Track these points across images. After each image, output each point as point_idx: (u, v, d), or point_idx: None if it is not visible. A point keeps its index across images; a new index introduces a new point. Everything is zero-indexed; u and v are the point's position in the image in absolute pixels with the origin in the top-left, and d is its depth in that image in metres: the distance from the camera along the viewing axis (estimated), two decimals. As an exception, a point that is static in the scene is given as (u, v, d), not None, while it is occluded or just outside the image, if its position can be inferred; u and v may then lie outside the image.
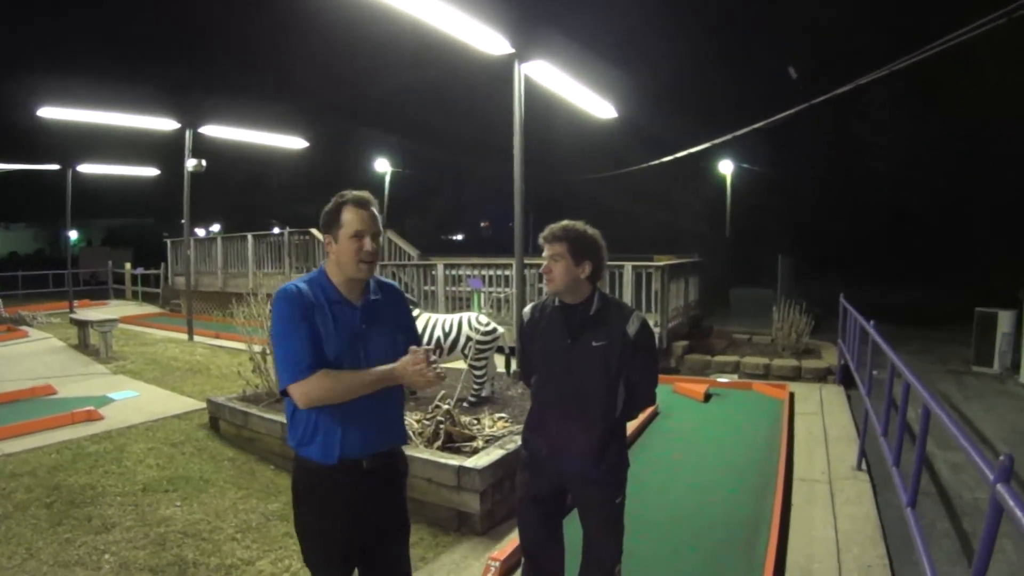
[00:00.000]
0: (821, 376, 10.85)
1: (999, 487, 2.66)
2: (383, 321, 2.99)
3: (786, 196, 36.07)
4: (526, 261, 9.00)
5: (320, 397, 2.71)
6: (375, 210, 2.91)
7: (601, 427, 3.30)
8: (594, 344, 3.27)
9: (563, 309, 3.39)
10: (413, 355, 2.76)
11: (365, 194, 2.90)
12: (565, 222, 3.34)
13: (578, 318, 3.33)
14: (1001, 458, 2.73)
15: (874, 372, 7.39)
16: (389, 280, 3.19)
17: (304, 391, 2.70)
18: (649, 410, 8.12)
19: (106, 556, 4.86)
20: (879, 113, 32.15)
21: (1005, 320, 11.67)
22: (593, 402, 3.29)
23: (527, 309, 3.61)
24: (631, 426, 3.75)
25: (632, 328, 3.27)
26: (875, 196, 34.96)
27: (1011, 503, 2.51)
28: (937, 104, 30.23)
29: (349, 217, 2.83)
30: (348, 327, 2.85)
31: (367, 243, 2.84)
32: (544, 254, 3.33)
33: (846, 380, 10.24)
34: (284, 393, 2.77)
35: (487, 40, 7.39)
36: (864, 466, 6.73)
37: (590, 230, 3.35)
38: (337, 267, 2.88)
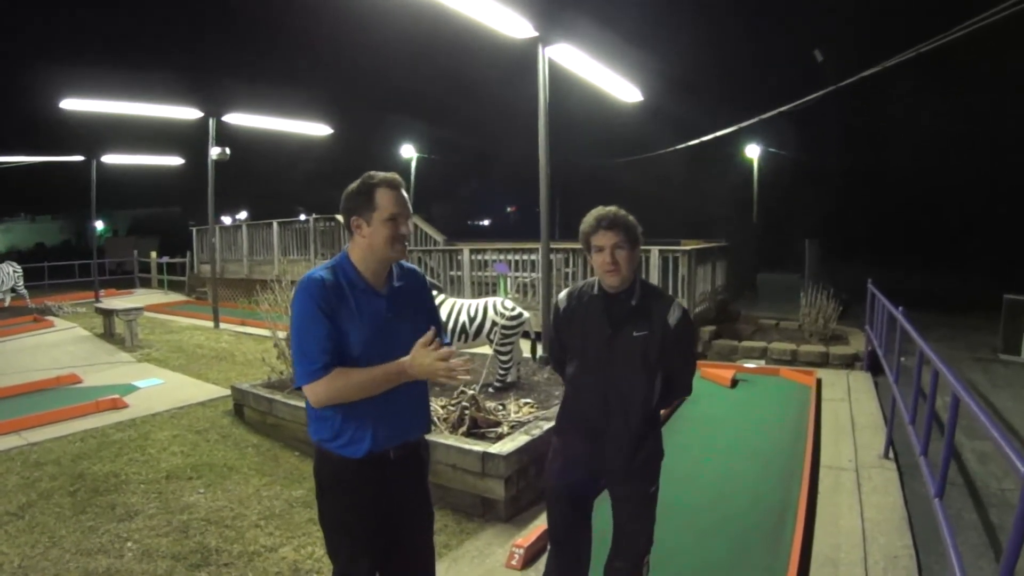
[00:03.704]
0: (849, 362, 10.76)
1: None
2: (409, 308, 2.92)
3: (813, 180, 35.86)
4: (552, 245, 8.96)
5: (332, 398, 2.67)
6: (405, 192, 2.83)
7: (639, 417, 3.23)
8: (635, 334, 3.18)
9: (604, 297, 3.28)
10: (423, 347, 2.68)
11: (395, 176, 2.82)
12: (612, 208, 3.21)
13: (620, 308, 3.23)
14: (1034, 451, 2.68)
15: (902, 359, 7.31)
16: (411, 264, 3.10)
17: (315, 392, 2.66)
18: (678, 396, 8.10)
19: (129, 544, 4.87)
20: (906, 97, 31.85)
21: (1034, 308, 11.48)
22: (632, 392, 3.22)
23: (562, 295, 3.48)
24: (658, 412, 3.68)
25: (673, 318, 3.19)
26: (903, 180, 34.71)
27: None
28: (965, 87, 29.94)
29: (384, 200, 2.73)
30: (375, 317, 2.77)
31: (402, 227, 2.77)
32: (598, 243, 3.18)
33: (874, 367, 10.13)
34: (300, 388, 2.73)
35: (511, 23, 7.34)
36: (891, 455, 6.66)
37: (629, 214, 3.27)
38: (368, 251, 2.77)
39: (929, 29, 10.89)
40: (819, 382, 9.49)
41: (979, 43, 10.51)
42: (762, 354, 11.32)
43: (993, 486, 6.09)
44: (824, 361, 10.86)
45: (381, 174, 2.80)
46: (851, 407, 8.46)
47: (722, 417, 8.11)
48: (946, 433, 4.21)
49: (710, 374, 9.75)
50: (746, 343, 11.72)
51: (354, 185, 2.80)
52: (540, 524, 4.16)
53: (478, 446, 5.47)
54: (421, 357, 2.67)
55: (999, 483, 6.11)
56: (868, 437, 7.29)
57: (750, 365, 10.57)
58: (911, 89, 29.88)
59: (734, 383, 9.47)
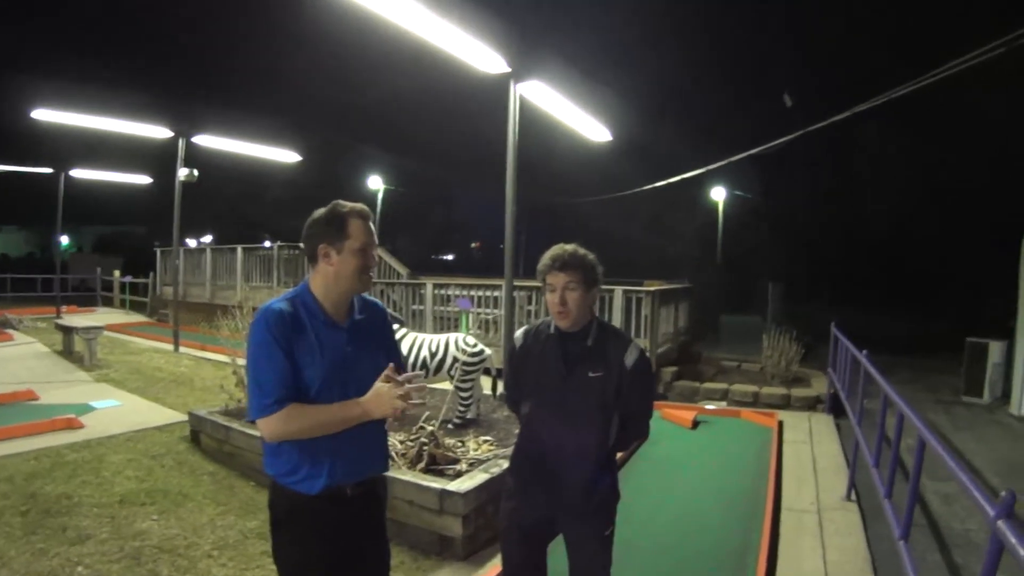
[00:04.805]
0: (810, 405, 10.81)
1: (1000, 523, 2.62)
2: (369, 343, 2.88)
3: (778, 223, 36.20)
4: (516, 283, 8.93)
5: (287, 434, 2.64)
6: (372, 224, 2.82)
7: (594, 459, 3.19)
8: (591, 375, 3.14)
9: (559, 337, 3.24)
10: (382, 384, 2.68)
11: (365, 207, 2.82)
12: (570, 247, 3.18)
13: (575, 348, 3.20)
14: (1003, 494, 2.69)
15: (864, 401, 7.33)
16: (372, 298, 3.08)
17: (268, 427, 2.63)
18: (637, 437, 8.07)
19: (79, 568, 4.78)
20: (874, 142, 32.31)
21: (996, 351, 11.65)
22: (587, 433, 3.18)
23: (518, 334, 3.45)
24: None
25: (630, 359, 3.15)
26: (867, 223, 35.14)
27: (1013, 540, 2.48)
28: (932, 131, 30.42)
29: (356, 229, 2.72)
30: (334, 350, 2.73)
31: (372, 257, 2.77)
32: (551, 283, 3.16)
33: (835, 409, 10.19)
34: (254, 421, 2.68)
35: (483, 59, 7.34)
36: (854, 496, 6.68)
37: (589, 253, 3.23)
38: (333, 281, 2.74)
39: (895, 76, 11.05)
40: (781, 424, 9.53)
41: (948, 87, 10.63)
42: (724, 396, 11.34)
43: (957, 527, 6.14)
44: (786, 403, 10.91)
45: (350, 204, 2.79)
46: (813, 449, 8.50)
47: (683, 459, 8.12)
48: (911, 476, 4.23)
49: (671, 415, 9.75)
50: (708, 384, 11.74)
51: (322, 212, 2.78)
52: (497, 563, 4.10)
53: (436, 483, 5.43)
54: (380, 394, 2.66)
55: (963, 524, 6.17)
56: (830, 479, 7.32)
57: (711, 407, 10.60)
58: (878, 133, 30.33)
59: (695, 424, 9.48)
